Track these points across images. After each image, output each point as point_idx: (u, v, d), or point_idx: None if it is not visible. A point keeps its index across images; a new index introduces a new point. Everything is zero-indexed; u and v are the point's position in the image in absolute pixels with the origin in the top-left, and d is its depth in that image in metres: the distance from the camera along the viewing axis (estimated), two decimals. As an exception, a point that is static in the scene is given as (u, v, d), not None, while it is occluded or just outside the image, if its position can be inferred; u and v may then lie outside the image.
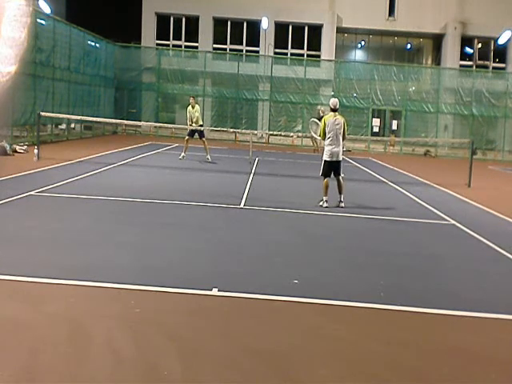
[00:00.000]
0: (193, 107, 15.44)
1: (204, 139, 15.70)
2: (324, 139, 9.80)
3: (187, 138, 15.71)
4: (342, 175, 9.94)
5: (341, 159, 9.76)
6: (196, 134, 15.66)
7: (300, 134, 24.98)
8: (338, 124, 9.62)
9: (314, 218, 8.93)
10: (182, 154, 15.66)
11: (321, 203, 9.68)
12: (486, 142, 26.60)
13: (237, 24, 31.03)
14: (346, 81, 27.03)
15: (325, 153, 9.77)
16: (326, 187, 9.70)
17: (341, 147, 9.70)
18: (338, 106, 9.74)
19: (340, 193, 9.71)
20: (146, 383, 3.37)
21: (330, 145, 9.64)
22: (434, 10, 31.17)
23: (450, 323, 4.73)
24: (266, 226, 8.12)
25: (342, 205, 9.63)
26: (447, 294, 5.44)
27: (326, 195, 9.70)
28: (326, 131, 9.64)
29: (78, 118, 18.08)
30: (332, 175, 9.76)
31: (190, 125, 15.51)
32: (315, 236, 7.64)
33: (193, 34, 30.91)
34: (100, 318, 4.25)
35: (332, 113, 9.68)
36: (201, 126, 15.68)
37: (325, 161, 9.75)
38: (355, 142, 25.15)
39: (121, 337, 3.95)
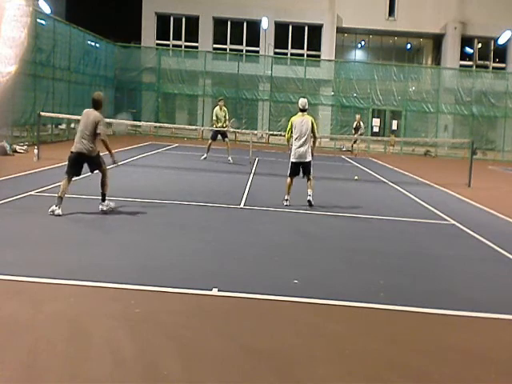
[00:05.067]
0: (220, 109, 15.77)
1: (227, 141, 15.93)
2: (288, 140, 9.62)
3: (210, 141, 15.97)
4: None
5: (308, 160, 9.49)
6: (219, 135, 15.86)
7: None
8: (304, 124, 9.39)
9: (314, 217, 8.93)
10: (205, 154, 15.97)
11: (284, 202, 9.50)
12: (486, 142, 26.59)
13: (237, 24, 31.04)
14: (345, 81, 27.01)
15: (292, 153, 9.58)
16: (288, 187, 9.56)
17: (308, 148, 9.42)
18: (306, 107, 9.53)
19: (310, 188, 9.50)
20: (146, 383, 3.37)
21: (296, 146, 9.45)
22: (433, 10, 31.18)
23: (450, 323, 4.73)
24: (266, 225, 8.11)
25: (311, 202, 9.39)
26: (447, 294, 5.44)
27: (287, 194, 9.54)
28: (293, 132, 9.46)
29: (78, 117, 17.99)
30: (303, 176, 9.60)
31: (216, 126, 15.75)
32: (315, 236, 7.64)
33: (193, 34, 30.92)
34: (100, 318, 4.25)
35: (300, 113, 9.50)
36: (223, 127, 15.87)
37: (291, 162, 9.60)
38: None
39: (121, 337, 3.95)
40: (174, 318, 4.40)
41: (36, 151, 13.47)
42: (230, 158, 15.83)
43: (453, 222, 9.13)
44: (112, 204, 8.13)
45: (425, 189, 13.26)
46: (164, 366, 3.54)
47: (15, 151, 14.67)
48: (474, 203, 11.27)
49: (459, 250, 7.44)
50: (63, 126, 21.59)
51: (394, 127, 27.80)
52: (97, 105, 8.41)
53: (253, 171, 14.37)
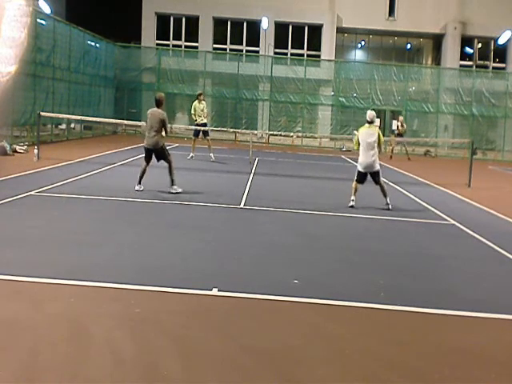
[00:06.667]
0: (199, 102, 15.83)
1: (208, 138, 15.99)
2: (358, 149, 9.94)
3: (194, 138, 16.11)
4: (383, 179, 10.11)
5: (375, 170, 9.75)
6: (201, 133, 15.91)
7: (300, 134, 24.98)
8: (370, 136, 9.68)
9: (314, 217, 8.93)
10: (191, 154, 16.03)
11: (350, 203, 9.80)
12: (486, 142, 26.58)
13: (237, 24, 31.03)
14: (346, 81, 27.02)
15: (359, 162, 9.93)
16: (353, 189, 9.90)
17: (373, 158, 9.69)
18: (375, 119, 9.93)
19: (384, 196, 9.89)
20: (146, 383, 3.37)
21: (362, 156, 9.79)
22: (433, 10, 31.18)
23: (450, 323, 4.73)
24: (266, 225, 8.11)
25: (390, 207, 9.75)
26: (447, 294, 5.44)
27: (353, 195, 9.86)
28: (360, 142, 9.80)
29: (78, 118, 18.06)
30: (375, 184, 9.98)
31: (195, 120, 15.84)
32: (315, 236, 7.64)
33: (193, 34, 30.92)
34: (100, 318, 4.25)
35: (366, 124, 9.81)
36: (204, 125, 15.87)
37: (358, 170, 9.96)
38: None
39: (121, 337, 3.95)
40: (174, 318, 4.40)
41: (36, 151, 13.47)
42: (211, 155, 15.84)
43: (453, 222, 9.13)
44: (180, 189, 9.86)
45: (425, 189, 13.26)
46: (164, 366, 3.54)
47: (15, 151, 14.67)
48: (474, 203, 11.27)
49: (459, 250, 7.44)
50: (63, 126, 21.60)
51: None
52: (159, 103, 10.52)
53: (253, 171, 14.37)
